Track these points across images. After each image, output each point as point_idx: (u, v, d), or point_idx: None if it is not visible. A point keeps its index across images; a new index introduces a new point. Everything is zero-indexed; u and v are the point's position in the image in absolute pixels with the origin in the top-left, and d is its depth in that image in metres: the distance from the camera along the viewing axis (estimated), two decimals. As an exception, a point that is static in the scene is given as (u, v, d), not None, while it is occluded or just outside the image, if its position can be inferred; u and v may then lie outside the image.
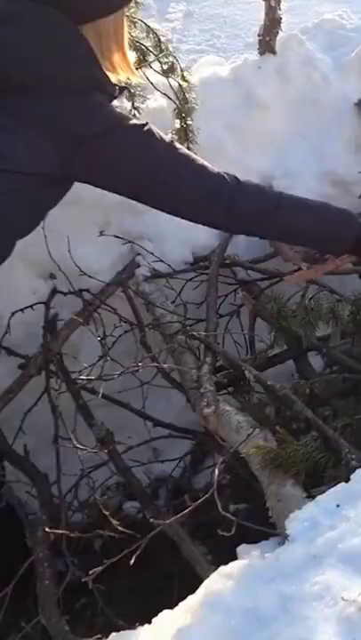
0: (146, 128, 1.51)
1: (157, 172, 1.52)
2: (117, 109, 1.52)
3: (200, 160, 1.57)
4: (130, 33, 1.91)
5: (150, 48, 2.48)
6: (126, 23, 1.52)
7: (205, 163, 1.57)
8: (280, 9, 2.79)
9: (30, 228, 1.56)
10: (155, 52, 2.47)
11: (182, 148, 1.56)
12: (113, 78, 1.53)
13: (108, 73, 1.51)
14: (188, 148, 2.56)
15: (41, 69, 1.40)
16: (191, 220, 1.68)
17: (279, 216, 1.64)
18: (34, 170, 1.43)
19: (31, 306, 2.38)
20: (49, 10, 1.39)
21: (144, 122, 1.51)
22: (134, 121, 1.51)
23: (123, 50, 1.52)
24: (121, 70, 1.54)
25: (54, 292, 2.44)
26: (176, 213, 1.64)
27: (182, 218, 1.67)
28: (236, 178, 1.59)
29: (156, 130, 1.52)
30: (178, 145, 1.56)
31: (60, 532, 1.89)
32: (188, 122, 2.54)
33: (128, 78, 1.59)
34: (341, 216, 1.71)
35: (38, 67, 1.40)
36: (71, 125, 1.43)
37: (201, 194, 1.56)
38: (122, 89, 1.55)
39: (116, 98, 1.54)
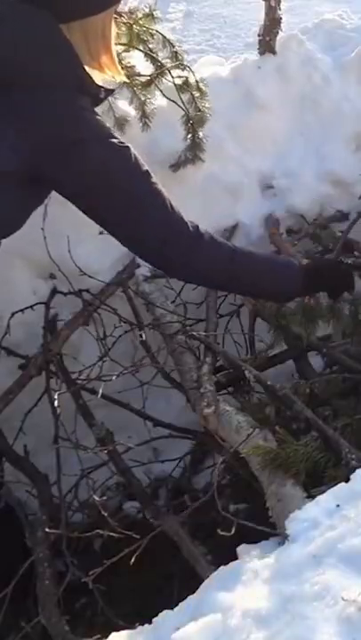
0: (128, 151, 1.47)
1: (127, 198, 1.49)
2: (102, 120, 1.50)
3: (170, 200, 1.53)
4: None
5: (166, 59, 2.44)
6: (114, 23, 1.51)
7: (174, 204, 1.54)
8: (280, 9, 2.79)
9: (16, 228, 1.55)
10: (167, 64, 2.42)
11: (157, 183, 1.52)
12: (98, 79, 1.52)
13: (94, 72, 1.50)
14: (197, 157, 2.53)
15: (29, 70, 1.39)
16: (143, 258, 1.68)
17: (234, 269, 1.64)
18: (17, 169, 1.42)
19: (31, 306, 2.38)
20: (35, 10, 1.37)
21: (127, 144, 1.48)
22: (118, 140, 1.48)
23: (110, 49, 1.51)
24: (108, 70, 1.53)
25: (54, 292, 2.44)
26: (130, 246, 1.61)
27: (135, 253, 1.67)
28: (197, 228, 1.57)
29: (137, 155, 1.49)
30: (154, 179, 1.52)
31: (60, 532, 1.89)
32: (199, 131, 2.49)
33: (113, 77, 1.57)
34: (287, 262, 1.80)
35: (26, 67, 1.39)
36: (57, 128, 1.41)
37: (160, 235, 1.53)
38: (108, 92, 1.53)
39: (102, 101, 1.53)
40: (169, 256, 1.58)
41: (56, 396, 2.18)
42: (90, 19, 1.43)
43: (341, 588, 1.06)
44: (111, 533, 1.72)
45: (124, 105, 2.59)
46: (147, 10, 2.43)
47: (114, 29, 1.51)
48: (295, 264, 1.77)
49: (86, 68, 1.47)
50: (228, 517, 1.37)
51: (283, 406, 1.75)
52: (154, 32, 2.43)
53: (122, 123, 2.51)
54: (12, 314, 2.33)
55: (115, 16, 1.51)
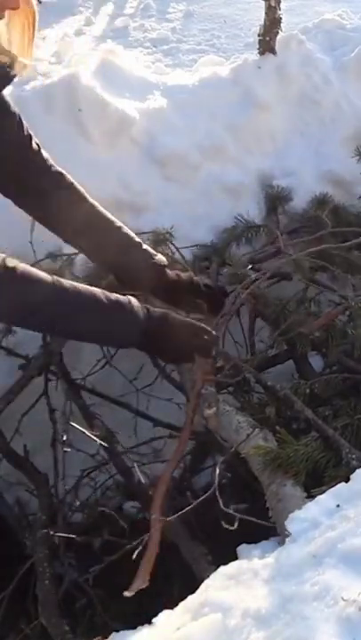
0: None
1: None
2: None
3: None
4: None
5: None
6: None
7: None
8: (280, 9, 2.80)
9: None
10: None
11: None
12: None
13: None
14: None
15: None
16: None
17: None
18: None
19: (31, 305, 2.37)
20: None
21: None
22: None
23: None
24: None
25: (55, 292, 2.44)
26: None
27: None
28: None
29: None
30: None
31: (61, 534, 1.88)
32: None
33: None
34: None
35: None
36: None
37: None
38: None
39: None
40: None
41: (55, 396, 2.18)
42: None
43: (341, 588, 1.06)
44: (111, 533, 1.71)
45: (122, 104, 2.60)
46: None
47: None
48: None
49: None
50: (229, 515, 1.37)
51: (283, 406, 1.75)
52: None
53: (122, 122, 2.51)
54: (12, 314, 2.32)
55: None
